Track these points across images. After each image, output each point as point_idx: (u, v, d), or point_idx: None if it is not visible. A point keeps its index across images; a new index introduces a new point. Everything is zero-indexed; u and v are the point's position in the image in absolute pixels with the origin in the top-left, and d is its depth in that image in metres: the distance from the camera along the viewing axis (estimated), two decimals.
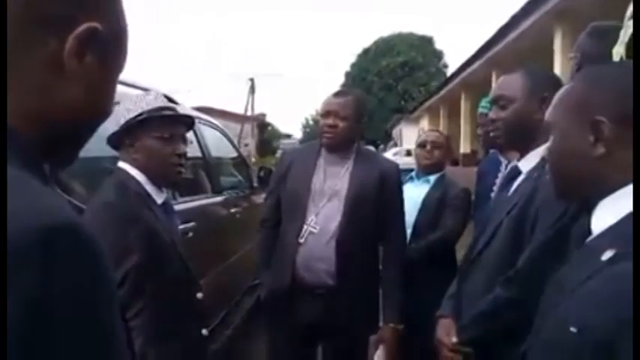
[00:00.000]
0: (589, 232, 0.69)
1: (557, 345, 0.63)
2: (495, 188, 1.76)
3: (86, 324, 0.37)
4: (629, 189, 0.65)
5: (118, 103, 1.19)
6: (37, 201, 0.37)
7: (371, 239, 1.66)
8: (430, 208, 1.98)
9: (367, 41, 37.92)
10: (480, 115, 2.21)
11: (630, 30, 0.95)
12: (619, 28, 1.02)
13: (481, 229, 1.31)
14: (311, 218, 1.61)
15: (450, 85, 11.89)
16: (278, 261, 1.67)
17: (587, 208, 0.71)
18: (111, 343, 0.40)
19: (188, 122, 1.39)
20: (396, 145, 22.58)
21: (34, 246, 0.34)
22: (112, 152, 1.29)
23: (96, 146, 1.07)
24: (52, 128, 0.44)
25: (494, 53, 7.20)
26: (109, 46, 0.46)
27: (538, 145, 1.15)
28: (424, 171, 2.12)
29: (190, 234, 2.08)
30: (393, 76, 32.75)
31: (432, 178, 2.08)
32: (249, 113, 22.52)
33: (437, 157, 2.10)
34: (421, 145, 2.14)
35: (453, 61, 32.08)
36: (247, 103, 22.21)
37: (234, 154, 3.73)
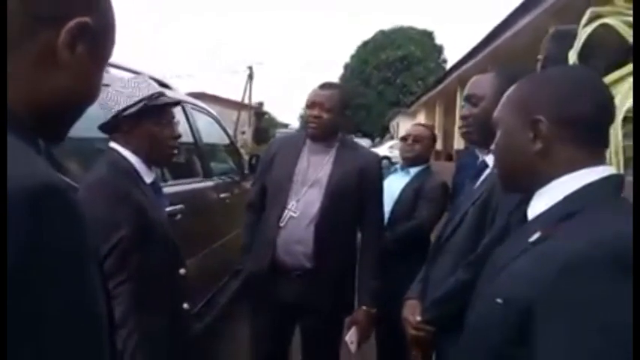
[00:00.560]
0: (525, 219, 0.77)
1: (487, 315, 0.71)
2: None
3: (70, 275, 0.43)
4: (560, 181, 0.72)
5: (108, 85, 1.25)
6: (32, 164, 0.44)
7: (349, 226, 1.74)
8: (406, 199, 2.07)
9: (367, 35, 37.80)
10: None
11: (584, 37, 1.02)
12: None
13: (451, 217, 1.39)
14: (292, 203, 1.68)
15: (447, 81, 11.94)
16: (259, 243, 1.74)
17: (528, 198, 0.79)
18: (93, 294, 0.46)
19: (176, 104, 1.46)
20: (392, 138, 22.64)
21: (27, 199, 0.40)
22: (102, 134, 1.36)
23: (87, 128, 1.14)
24: (45, 109, 0.51)
25: (490, 50, 7.26)
26: (97, 39, 0.53)
27: None
28: (406, 163, 2.20)
29: (179, 216, 2.15)
30: (392, 69, 32.71)
31: (413, 170, 2.16)
32: (246, 101, 22.48)
33: (417, 151, 2.18)
34: (404, 138, 2.23)
35: (453, 56, 32.07)
36: (245, 91, 22.15)
37: (227, 141, 3.79)
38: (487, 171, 1.30)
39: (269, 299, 1.73)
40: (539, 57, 1.32)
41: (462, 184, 2.02)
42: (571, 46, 1.06)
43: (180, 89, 3.15)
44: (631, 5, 1.03)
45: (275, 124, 36.01)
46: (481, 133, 1.33)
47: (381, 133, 29.17)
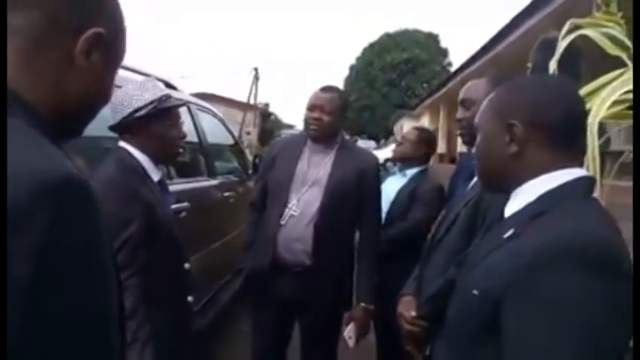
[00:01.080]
0: (503, 217, 0.83)
1: (465, 306, 0.77)
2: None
3: (88, 263, 0.48)
4: (534, 182, 0.78)
5: (120, 87, 1.32)
6: (55, 158, 0.48)
7: (347, 225, 1.80)
8: (401, 201, 2.12)
9: (374, 36, 37.84)
10: None
11: (563, 47, 1.08)
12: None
13: (445, 217, 1.45)
14: (293, 202, 1.74)
15: (450, 84, 11.96)
16: (261, 241, 1.81)
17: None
18: (107, 283, 0.50)
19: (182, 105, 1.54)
20: (396, 140, 22.64)
21: (53, 190, 0.44)
22: (110, 132, 1.42)
23: (95, 127, 1.21)
24: (65, 109, 0.57)
25: (494, 54, 7.29)
26: (110, 46, 0.59)
27: None
28: (401, 165, 2.27)
29: (184, 213, 2.21)
30: (397, 71, 32.75)
31: (410, 172, 2.22)
32: (252, 102, 22.56)
33: (403, 151, 2.25)
34: (398, 141, 2.32)
35: (458, 59, 32.09)
36: (251, 91, 22.24)
37: (231, 141, 3.86)
38: None
39: (270, 295, 1.79)
40: (529, 64, 1.38)
41: (457, 185, 2.09)
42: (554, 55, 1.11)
43: (185, 90, 3.23)
44: (609, 17, 1.09)
45: (280, 125, 36.11)
46: (473, 135, 1.38)
47: (386, 135, 29.17)
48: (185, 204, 2.24)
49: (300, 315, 1.84)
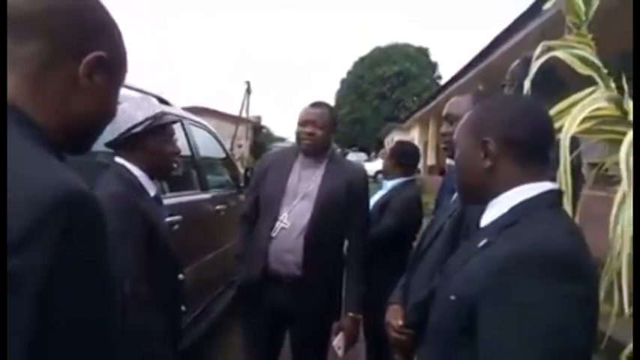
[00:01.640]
0: (478, 227, 0.89)
1: (444, 310, 0.83)
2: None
3: (96, 272, 0.52)
4: (507, 194, 0.84)
5: (120, 103, 1.36)
6: (64, 175, 0.52)
7: (337, 236, 1.85)
8: (374, 210, 2.18)
9: (365, 50, 38.34)
10: None
11: (536, 66, 1.16)
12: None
13: (430, 228, 1.50)
14: (284, 215, 1.79)
15: (439, 98, 12.16)
16: (252, 252, 1.85)
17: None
18: (114, 293, 0.54)
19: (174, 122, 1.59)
20: (385, 153, 22.79)
21: (61, 205, 0.48)
22: (105, 148, 1.46)
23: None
24: (72, 127, 0.61)
25: (480, 69, 7.46)
26: (112, 67, 0.64)
27: None
28: (385, 177, 2.37)
29: (177, 226, 2.24)
30: (388, 85, 33.15)
31: (390, 183, 2.31)
32: (244, 115, 22.64)
33: (384, 165, 2.41)
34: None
35: (447, 73, 32.56)
36: (243, 105, 22.33)
37: (223, 155, 3.90)
38: None
39: (261, 306, 1.82)
40: (505, 81, 1.46)
41: (443, 197, 2.15)
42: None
43: (177, 105, 3.28)
44: (580, 39, 1.17)
45: (272, 138, 36.22)
46: (455, 149, 1.45)
47: (377, 147, 29.38)
48: (178, 217, 2.27)
49: (290, 325, 1.88)
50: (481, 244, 0.80)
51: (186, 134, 2.82)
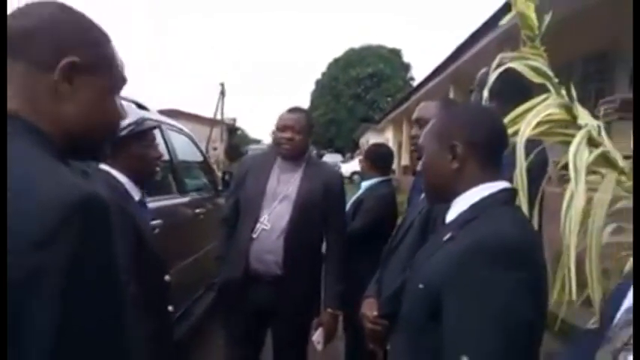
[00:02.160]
0: (443, 223, 0.98)
1: (413, 298, 0.92)
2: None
3: (110, 271, 0.57)
4: (468, 193, 0.94)
5: None
6: (74, 180, 0.57)
7: (315, 236, 1.93)
8: (350, 210, 2.29)
9: (339, 51, 38.61)
10: None
11: (493, 78, 1.27)
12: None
13: (401, 225, 1.60)
14: (264, 217, 1.86)
15: (412, 99, 12.40)
16: (234, 253, 1.91)
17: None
18: (123, 289, 0.60)
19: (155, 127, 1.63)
20: (361, 154, 23.03)
21: (77, 207, 0.52)
22: None
23: None
24: (71, 132, 0.65)
25: (449, 73, 7.69)
26: (92, 71, 0.67)
27: None
28: (361, 178, 2.49)
29: (157, 230, 2.27)
30: (362, 86, 33.49)
31: (364, 184, 2.42)
32: (218, 117, 22.46)
33: (361, 166, 2.53)
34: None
35: (420, 74, 33.15)
36: (217, 107, 22.15)
37: (200, 159, 3.93)
38: None
39: (242, 304, 1.88)
40: (471, 87, 1.57)
41: (413, 196, 2.27)
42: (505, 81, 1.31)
43: (154, 109, 3.29)
44: (533, 51, 1.29)
45: (247, 140, 36.00)
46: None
47: (352, 148, 29.64)
48: (158, 221, 2.30)
49: (271, 322, 1.95)
50: (445, 238, 0.90)
51: (164, 139, 2.85)
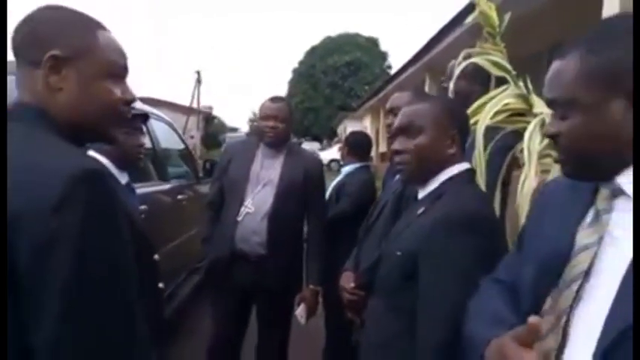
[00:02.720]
0: (416, 199, 1.13)
1: (390, 264, 1.06)
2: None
3: (118, 231, 0.66)
4: (444, 172, 1.08)
5: None
6: (80, 155, 0.67)
7: (296, 218, 2.05)
8: (331, 194, 2.42)
9: (316, 39, 38.43)
10: None
11: (458, 71, 1.41)
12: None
13: (377, 204, 1.74)
14: (248, 200, 1.97)
15: (389, 87, 12.57)
16: (220, 235, 2.01)
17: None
18: (129, 246, 0.70)
19: (143, 116, 1.70)
20: (339, 141, 23.21)
21: (84, 177, 0.61)
22: None
23: None
24: (74, 118, 0.74)
25: (426, 61, 7.87)
26: (77, 61, 0.72)
27: None
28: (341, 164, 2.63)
29: (142, 216, 2.35)
30: (340, 74, 33.52)
31: (344, 170, 2.55)
32: (195, 105, 22.18)
33: (341, 153, 2.66)
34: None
35: (397, 62, 33.38)
36: (193, 95, 21.87)
37: (182, 146, 3.98)
38: None
39: (229, 283, 2.00)
40: (442, 78, 1.71)
41: (388, 178, 2.42)
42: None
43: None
44: (494, 47, 1.43)
45: (224, 128, 35.61)
46: None
47: (330, 136, 29.77)
48: (143, 207, 2.38)
49: (256, 300, 2.07)
50: (419, 212, 1.04)
51: (147, 127, 2.90)
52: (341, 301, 1.68)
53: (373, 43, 35.31)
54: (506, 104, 1.42)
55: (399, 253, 1.04)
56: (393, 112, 1.74)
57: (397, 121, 1.15)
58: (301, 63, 35.97)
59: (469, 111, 1.36)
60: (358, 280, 1.58)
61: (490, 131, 1.41)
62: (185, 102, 22.04)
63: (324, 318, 2.43)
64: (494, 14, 1.40)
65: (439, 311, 0.93)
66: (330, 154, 18.77)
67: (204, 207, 2.22)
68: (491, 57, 1.43)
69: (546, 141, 1.38)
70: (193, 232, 3.20)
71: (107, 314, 0.64)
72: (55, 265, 0.59)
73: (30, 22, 0.73)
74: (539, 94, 1.57)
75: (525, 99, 1.48)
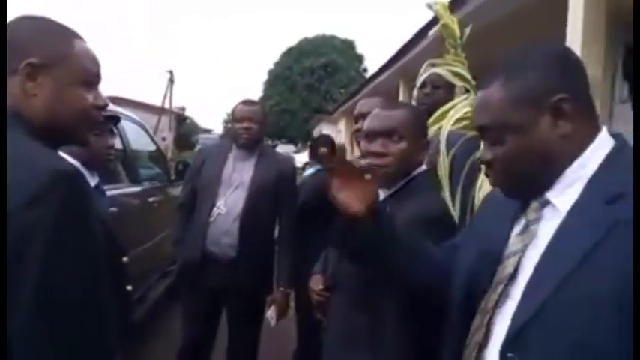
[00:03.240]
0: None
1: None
2: None
3: (90, 227, 0.70)
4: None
5: None
6: (56, 157, 0.70)
7: (268, 220, 2.09)
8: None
9: (292, 41, 38.45)
10: None
11: (420, 80, 1.48)
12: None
13: None
14: (220, 202, 1.99)
15: (365, 91, 12.71)
16: (192, 237, 2.03)
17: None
18: (101, 243, 0.74)
19: (114, 118, 1.70)
20: None
21: (60, 176, 0.66)
22: None
23: None
24: (49, 122, 0.77)
25: (402, 64, 8.03)
26: (50, 68, 0.76)
27: None
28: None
29: (112, 218, 2.33)
30: (316, 76, 33.63)
31: (305, 173, 2.65)
32: (167, 106, 21.81)
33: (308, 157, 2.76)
34: None
35: (373, 65, 33.73)
36: (165, 95, 21.50)
37: (153, 148, 3.94)
38: None
39: (200, 285, 2.01)
40: (413, 85, 1.79)
41: None
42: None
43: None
44: (456, 58, 1.51)
45: (197, 129, 35.10)
46: None
47: (305, 139, 29.79)
48: (113, 209, 2.36)
49: (227, 301, 2.09)
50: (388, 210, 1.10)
51: (117, 129, 2.87)
52: (311, 302, 1.73)
53: (349, 45, 35.60)
54: (467, 112, 1.49)
55: None
56: (363, 117, 1.80)
57: (377, 124, 1.19)
58: (277, 64, 35.89)
59: (433, 118, 1.43)
60: (327, 282, 1.63)
61: (452, 137, 1.48)
62: (157, 102, 21.64)
63: (295, 320, 2.47)
64: (455, 27, 1.47)
65: None
66: (305, 157, 18.74)
67: (176, 209, 2.22)
68: (452, 67, 1.50)
69: None
70: (165, 235, 3.18)
71: (79, 308, 0.67)
72: (30, 256, 0.63)
73: (9, 30, 0.76)
74: None
75: None
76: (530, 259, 0.67)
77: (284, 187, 2.10)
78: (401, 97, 8.14)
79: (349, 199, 0.82)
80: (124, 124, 3.11)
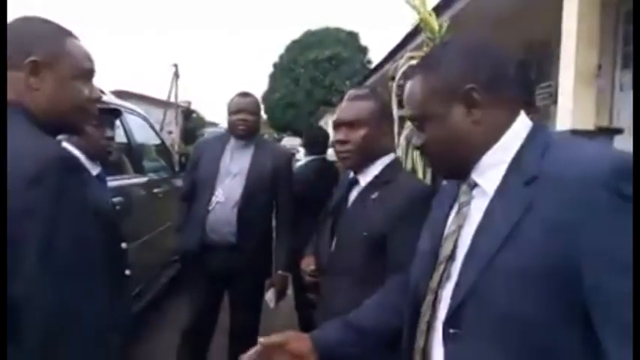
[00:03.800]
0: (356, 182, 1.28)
1: (355, 244, 1.20)
2: None
3: (84, 208, 0.79)
4: (381, 160, 1.24)
5: None
6: (55, 143, 0.80)
7: (265, 207, 2.18)
8: None
9: (297, 33, 38.30)
10: None
11: (400, 73, 1.57)
12: None
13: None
14: (219, 191, 2.09)
15: (369, 82, 12.70)
16: (192, 225, 2.13)
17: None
18: (93, 222, 0.84)
19: (113, 110, 1.79)
20: None
21: (57, 160, 0.74)
22: None
23: None
24: (51, 113, 0.87)
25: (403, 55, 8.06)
26: (53, 65, 0.85)
27: None
28: None
29: (117, 207, 2.43)
30: (320, 69, 33.51)
31: (298, 163, 2.73)
32: (172, 100, 21.93)
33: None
34: None
35: (377, 57, 33.49)
36: (171, 89, 21.61)
37: (158, 141, 4.05)
38: None
39: (202, 270, 2.11)
40: (396, 77, 1.87)
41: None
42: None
43: (108, 92, 3.37)
44: None
45: (203, 123, 35.19)
46: None
47: None
48: (118, 199, 2.46)
49: (227, 286, 2.19)
50: (373, 196, 1.19)
51: (122, 122, 2.98)
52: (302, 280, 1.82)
53: (354, 37, 35.39)
54: None
55: (365, 234, 1.18)
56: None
57: (341, 115, 1.32)
58: (282, 57, 35.81)
59: None
60: (318, 263, 1.72)
61: None
62: (163, 96, 21.77)
63: (293, 301, 2.57)
64: (433, 21, 1.54)
65: None
66: None
67: (179, 199, 2.32)
68: None
69: None
70: (169, 225, 3.28)
71: (74, 278, 0.76)
72: (30, 230, 0.71)
73: (11, 31, 0.86)
74: None
75: None
76: (465, 240, 0.73)
77: (280, 176, 2.18)
78: None
79: None
80: (128, 117, 3.21)
